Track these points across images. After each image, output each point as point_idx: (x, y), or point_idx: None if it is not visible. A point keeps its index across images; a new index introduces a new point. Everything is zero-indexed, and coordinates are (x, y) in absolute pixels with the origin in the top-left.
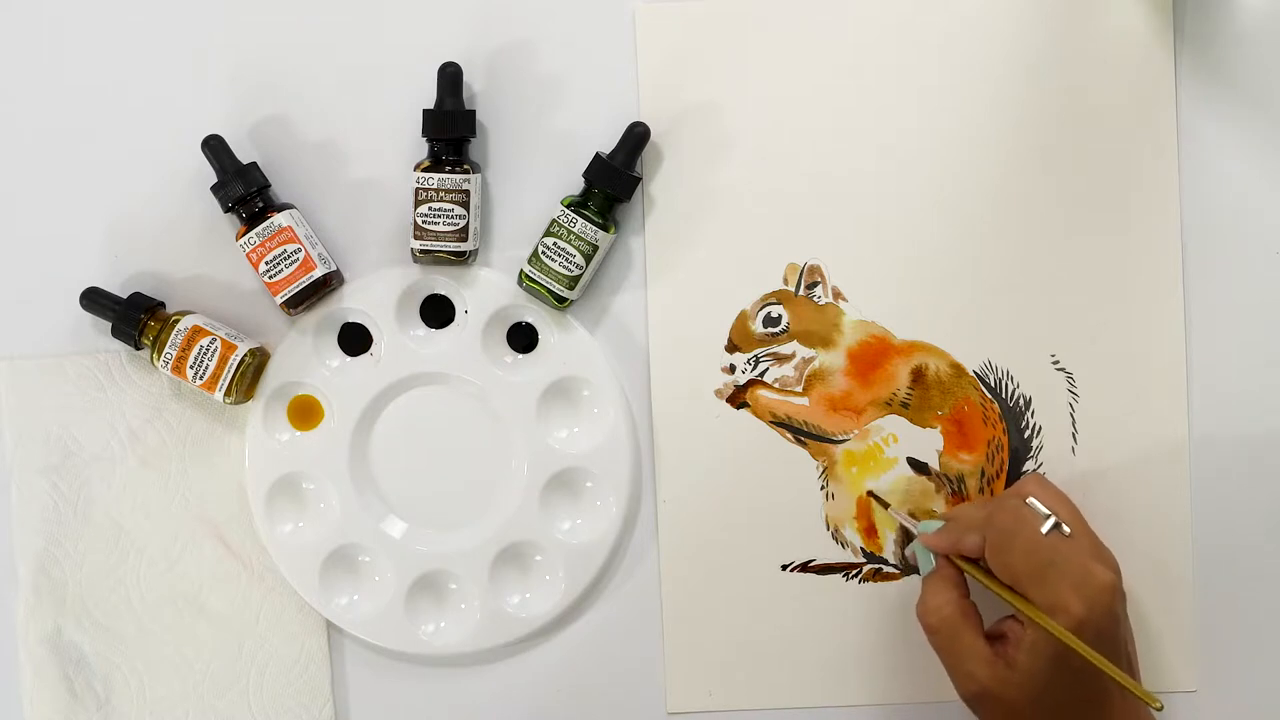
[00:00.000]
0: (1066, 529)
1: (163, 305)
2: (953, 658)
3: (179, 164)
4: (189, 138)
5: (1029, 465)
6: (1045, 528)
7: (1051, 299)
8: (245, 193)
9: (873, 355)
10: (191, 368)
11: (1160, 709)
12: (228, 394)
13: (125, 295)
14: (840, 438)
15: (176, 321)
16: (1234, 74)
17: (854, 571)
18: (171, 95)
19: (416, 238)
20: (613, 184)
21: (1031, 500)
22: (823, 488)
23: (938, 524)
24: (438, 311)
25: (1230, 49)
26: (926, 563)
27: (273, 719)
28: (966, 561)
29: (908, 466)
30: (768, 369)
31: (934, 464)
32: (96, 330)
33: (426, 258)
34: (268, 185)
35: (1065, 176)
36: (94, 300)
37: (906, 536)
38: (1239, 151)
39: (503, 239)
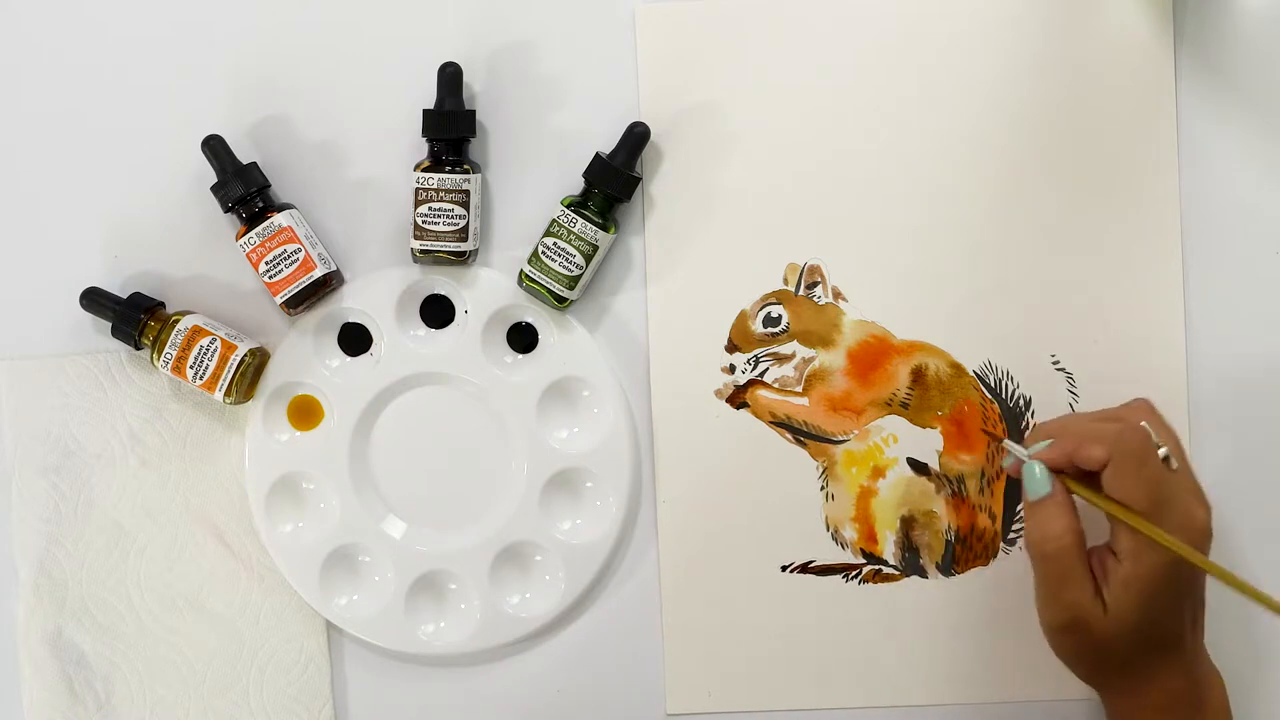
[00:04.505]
0: (1175, 463)
1: (163, 305)
2: (1057, 585)
3: (179, 164)
4: (189, 138)
5: None
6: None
7: (1051, 299)
8: (245, 193)
9: (873, 355)
10: (191, 368)
11: None
12: (228, 394)
13: (125, 295)
14: (840, 438)
15: (176, 321)
16: (1234, 74)
17: (854, 572)
18: (171, 95)
19: (416, 238)
20: (613, 184)
21: (1144, 425)
22: (823, 488)
23: (1047, 443)
24: (438, 311)
25: (1230, 49)
26: (1038, 486)
27: (273, 719)
28: (1081, 484)
29: (908, 467)
30: (768, 369)
31: (934, 464)
32: (96, 330)
33: (426, 258)
34: (268, 185)
35: (1065, 176)
36: (94, 300)
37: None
38: (1239, 151)
39: (503, 239)
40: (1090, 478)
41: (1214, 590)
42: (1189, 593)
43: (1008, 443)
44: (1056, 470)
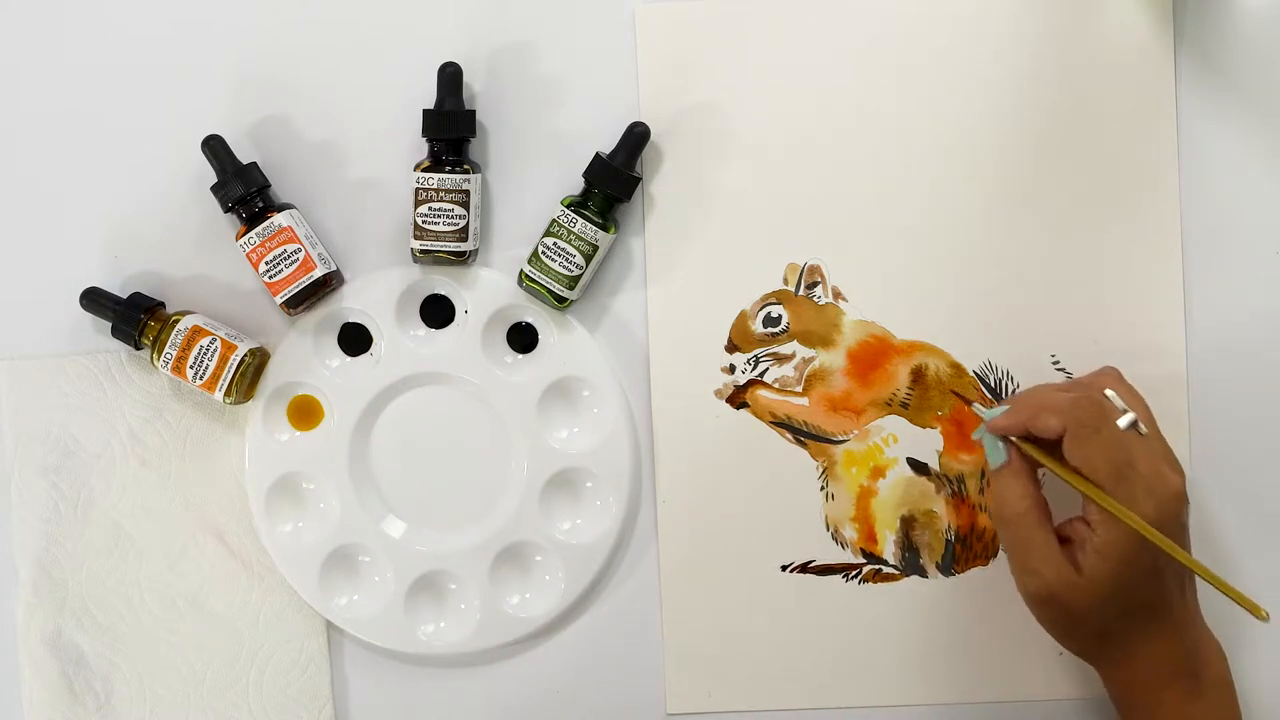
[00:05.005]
0: (1144, 429)
1: (163, 305)
2: (1022, 554)
3: (179, 164)
4: (189, 138)
5: None
6: (1124, 423)
7: (1051, 299)
8: (245, 193)
9: (873, 355)
10: (191, 368)
11: (1266, 619)
12: (228, 394)
13: (125, 295)
14: (840, 438)
15: (176, 321)
16: (1234, 74)
17: (853, 572)
18: (171, 95)
19: (416, 238)
20: (613, 184)
21: (1110, 393)
22: (823, 488)
23: (1004, 409)
24: (438, 311)
25: (1230, 49)
26: (996, 455)
27: (273, 719)
28: (1041, 452)
29: (908, 467)
30: (768, 369)
31: (934, 464)
32: (96, 330)
33: (426, 258)
34: (268, 185)
35: (1065, 176)
36: (94, 300)
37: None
38: (1239, 151)
39: (503, 239)
40: (1056, 449)
41: (1205, 547)
42: (1170, 558)
43: (976, 406)
44: (1021, 439)
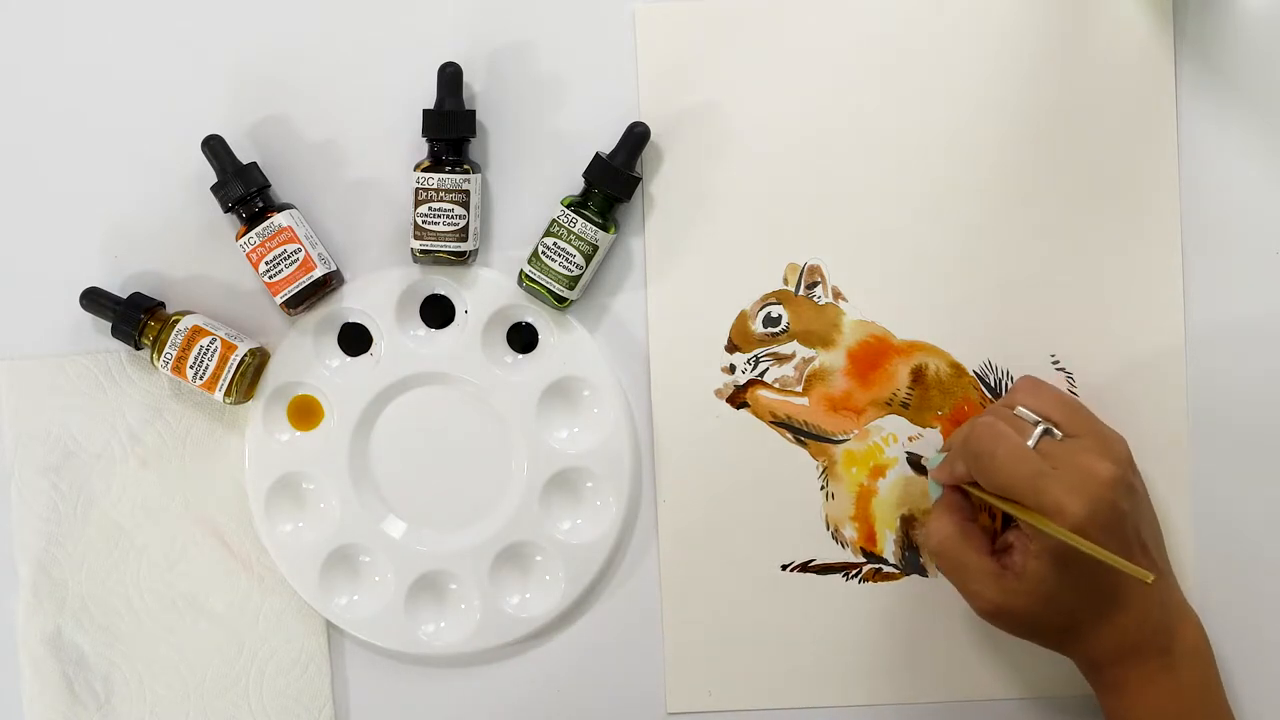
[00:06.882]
0: (1058, 433)
1: (163, 305)
2: (959, 579)
3: (179, 164)
4: (189, 138)
5: None
6: (1033, 439)
7: (1051, 299)
8: (245, 193)
9: (873, 355)
10: (191, 368)
11: (1151, 581)
12: (228, 394)
13: (125, 295)
14: (840, 438)
15: (176, 321)
16: (1234, 74)
17: (854, 571)
18: (171, 95)
19: (416, 238)
20: (613, 184)
21: (1020, 410)
22: (823, 488)
23: (941, 456)
24: (438, 311)
25: (1230, 49)
26: (935, 492)
27: (273, 719)
28: (969, 484)
29: (908, 466)
30: (768, 369)
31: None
32: (96, 330)
33: (426, 258)
34: (268, 185)
35: (1065, 176)
36: (94, 300)
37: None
38: (1239, 151)
39: (503, 239)
40: None
41: (1205, 547)
42: (1116, 543)
43: (928, 456)
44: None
